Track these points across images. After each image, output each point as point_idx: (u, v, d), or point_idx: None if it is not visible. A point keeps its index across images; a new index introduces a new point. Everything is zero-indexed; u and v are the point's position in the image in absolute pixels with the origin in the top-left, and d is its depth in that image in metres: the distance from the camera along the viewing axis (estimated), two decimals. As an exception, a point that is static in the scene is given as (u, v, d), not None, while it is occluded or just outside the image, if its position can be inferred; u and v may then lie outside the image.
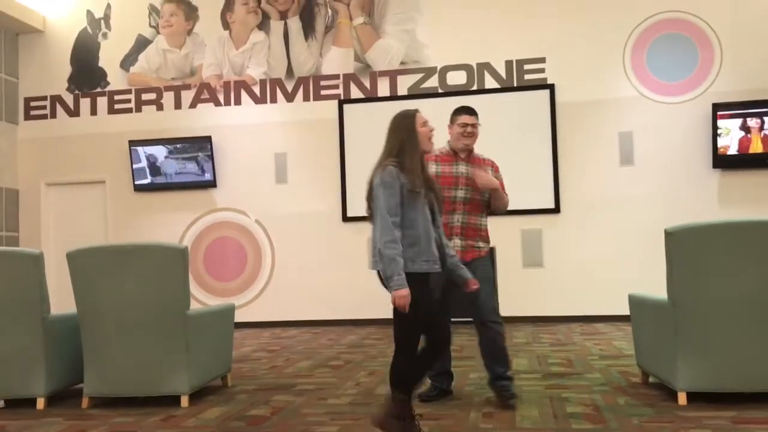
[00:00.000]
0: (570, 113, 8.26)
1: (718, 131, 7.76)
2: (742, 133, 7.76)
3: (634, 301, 4.49)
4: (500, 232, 8.28)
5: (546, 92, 8.33)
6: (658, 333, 3.97)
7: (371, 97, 8.78)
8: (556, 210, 8.23)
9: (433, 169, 3.94)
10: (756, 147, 7.74)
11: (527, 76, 8.45)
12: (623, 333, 6.76)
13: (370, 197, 3.29)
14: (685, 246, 3.66)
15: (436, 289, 3.53)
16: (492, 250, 8.16)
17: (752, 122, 7.75)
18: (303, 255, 8.77)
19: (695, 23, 8.11)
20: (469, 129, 4.09)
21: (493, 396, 4.02)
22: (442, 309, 3.77)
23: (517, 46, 8.47)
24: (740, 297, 3.63)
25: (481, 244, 4.09)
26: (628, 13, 8.22)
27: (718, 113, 7.77)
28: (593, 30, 8.28)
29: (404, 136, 3.43)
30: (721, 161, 7.80)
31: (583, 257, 8.10)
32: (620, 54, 8.23)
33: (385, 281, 3.07)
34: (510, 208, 8.13)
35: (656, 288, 4.18)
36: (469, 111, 4.14)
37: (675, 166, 7.95)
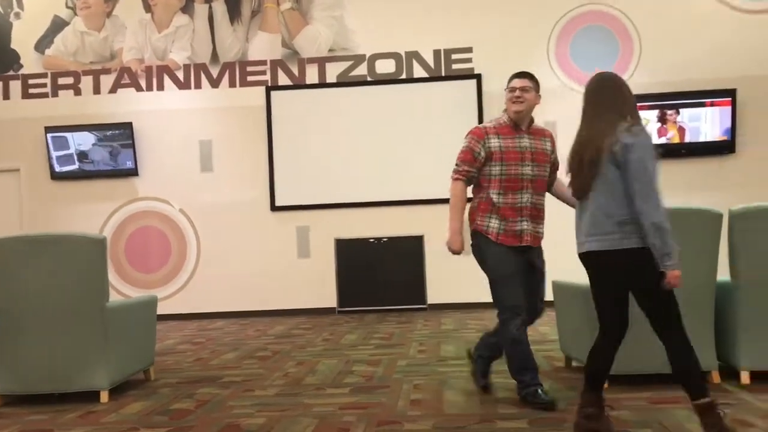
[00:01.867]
0: (497, 102, 8.33)
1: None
2: (659, 124, 8.04)
3: (558, 287, 4.59)
4: (429, 219, 8.38)
5: (473, 82, 8.42)
6: (579, 318, 4.06)
7: (299, 84, 8.67)
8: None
9: (495, 142, 3.51)
10: (672, 138, 8.03)
11: (455, 66, 8.52)
12: (548, 318, 6.89)
13: (598, 162, 2.77)
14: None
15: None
16: (420, 238, 8.41)
17: (669, 114, 8.04)
18: (230, 245, 8.61)
19: (616, 16, 8.34)
20: (517, 93, 3.52)
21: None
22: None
23: (445, 35, 8.51)
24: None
25: (541, 230, 3.64)
26: (553, 5, 8.38)
27: (637, 104, 7.99)
28: (519, 21, 8.41)
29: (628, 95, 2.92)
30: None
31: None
32: (545, 45, 8.39)
33: (661, 258, 2.67)
34: (438, 196, 8.39)
35: (580, 274, 4.26)
36: (522, 74, 3.60)
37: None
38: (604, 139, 2.77)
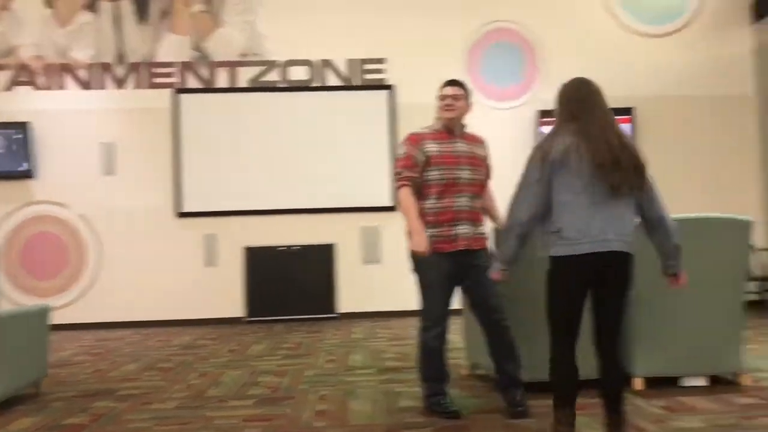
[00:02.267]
0: (409, 114, 8.43)
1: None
2: (564, 139, 8.33)
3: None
4: (340, 228, 8.36)
5: (385, 93, 8.47)
6: (486, 326, 4.12)
7: (209, 88, 8.47)
8: (394, 208, 8.38)
9: (432, 147, 3.49)
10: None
11: (368, 76, 8.55)
12: (457, 326, 6.99)
13: (643, 170, 2.80)
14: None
15: None
16: (331, 247, 8.37)
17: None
18: (133, 252, 8.28)
19: (524, 35, 8.59)
20: (449, 101, 3.55)
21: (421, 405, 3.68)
22: None
23: (359, 45, 8.53)
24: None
25: (483, 231, 3.61)
26: (466, 21, 8.55)
27: (542, 119, 8.29)
28: (432, 35, 8.52)
29: None
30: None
31: (419, 254, 8.31)
32: (456, 60, 8.54)
33: (680, 259, 2.93)
34: (349, 205, 8.38)
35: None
36: (454, 82, 3.64)
37: (503, 165, 8.34)
38: (638, 151, 2.84)
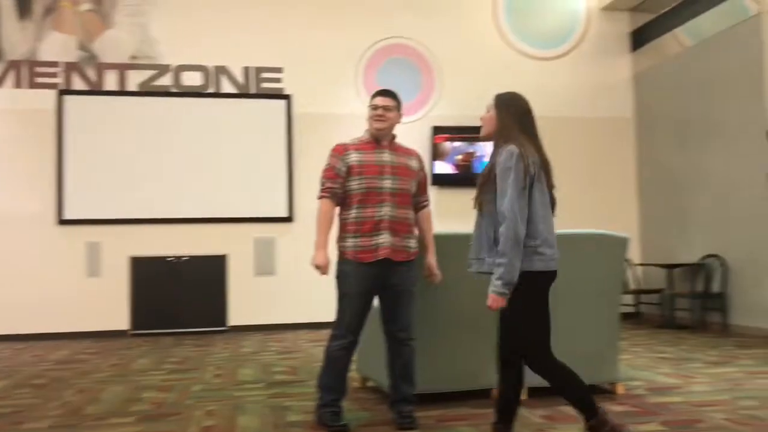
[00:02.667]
0: (306, 125, 8.41)
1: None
2: (459, 156, 8.55)
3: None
4: (232, 239, 8.19)
5: (283, 102, 8.40)
6: (375, 338, 4.13)
7: (97, 90, 8.11)
8: (290, 219, 8.31)
9: (354, 157, 3.49)
10: (468, 168, 8.58)
11: (264, 84, 8.45)
12: (348, 339, 7.00)
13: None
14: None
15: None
16: (224, 258, 8.17)
17: (465, 145, 8.57)
18: (8, 260, 7.77)
19: (420, 51, 8.77)
20: (380, 111, 3.52)
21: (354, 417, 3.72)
22: None
23: (255, 53, 8.43)
24: (463, 307, 3.93)
25: (411, 244, 3.54)
26: (362, 35, 8.63)
27: (436, 135, 8.47)
28: (330, 48, 8.54)
29: None
30: (439, 179, 8.51)
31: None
32: (353, 73, 8.60)
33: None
34: (243, 215, 8.23)
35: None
36: (385, 93, 3.62)
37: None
38: None
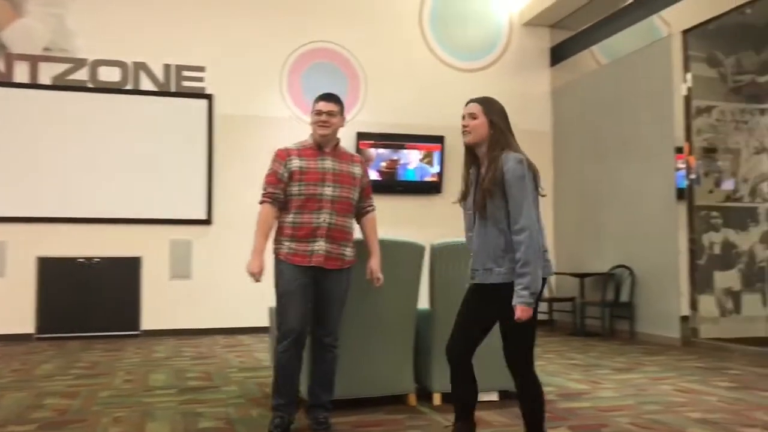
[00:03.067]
0: (227, 126, 8.27)
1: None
2: (383, 163, 8.60)
3: (273, 313, 4.58)
4: (147, 241, 7.95)
5: (204, 102, 8.23)
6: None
7: (6, 82, 7.73)
8: (208, 222, 8.14)
9: (296, 163, 3.46)
10: (392, 175, 8.63)
11: (186, 83, 8.25)
12: (265, 344, 6.91)
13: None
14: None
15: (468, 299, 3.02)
16: (138, 260, 7.92)
17: (389, 152, 8.63)
18: None
19: (346, 57, 8.77)
20: (324, 117, 3.49)
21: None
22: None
23: (176, 50, 8.22)
24: (360, 311, 3.92)
25: (347, 252, 3.52)
26: (288, 37, 8.55)
27: (361, 141, 8.49)
28: (254, 49, 8.43)
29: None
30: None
31: (232, 269, 8.07)
32: (278, 75, 8.51)
33: None
34: (159, 216, 7.99)
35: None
36: (327, 97, 3.56)
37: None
38: None
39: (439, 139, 8.65)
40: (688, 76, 7.22)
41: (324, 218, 3.43)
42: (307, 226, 3.42)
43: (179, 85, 8.22)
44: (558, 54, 9.38)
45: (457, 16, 9.23)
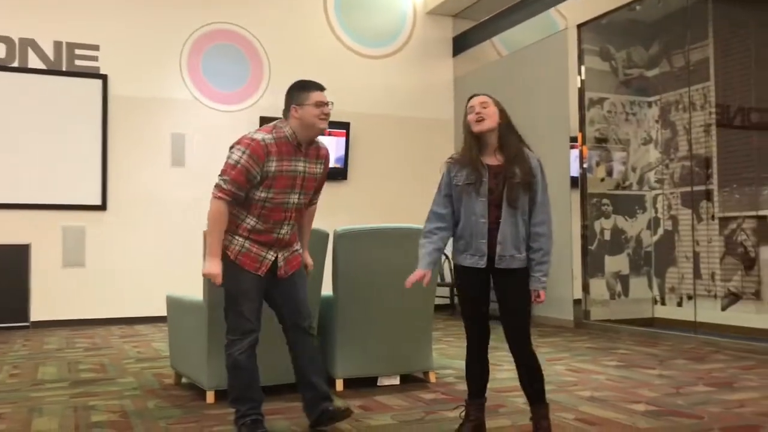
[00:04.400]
0: (124, 107, 7.95)
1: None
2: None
3: (171, 302, 4.47)
4: (37, 228, 7.56)
5: (98, 82, 7.86)
6: (191, 333, 4.01)
7: None
8: (103, 207, 7.81)
9: (273, 166, 2.99)
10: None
11: (78, 62, 7.86)
12: (164, 334, 6.72)
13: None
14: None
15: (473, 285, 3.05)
16: (27, 248, 7.49)
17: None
18: None
19: (249, 39, 8.59)
20: (327, 109, 3.10)
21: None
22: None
23: (68, 27, 7.81)
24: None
25: (296, 247, 3.26)
26: (187, 17, 8.29)
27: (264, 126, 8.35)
28: (152, 28, 8.12)
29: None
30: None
31: (129, 257, 7.84)
32: (177, 56, 8.24)
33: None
34: (50, 201, 7.59)
35: (197, 289, 4.21)
36: (322, 87, 3.19)
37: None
38: None
39: (344, 126, 8.63)
40: (582, 68, 7.52)
41: (286, 230, 3.12)
42: (268, 236, 3.08)
43: (72, 64, 7.82)
44: (460, 44, 9.54)
45: (362, 2, 9.22)
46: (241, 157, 2.96)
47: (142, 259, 7.86)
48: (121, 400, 3.93)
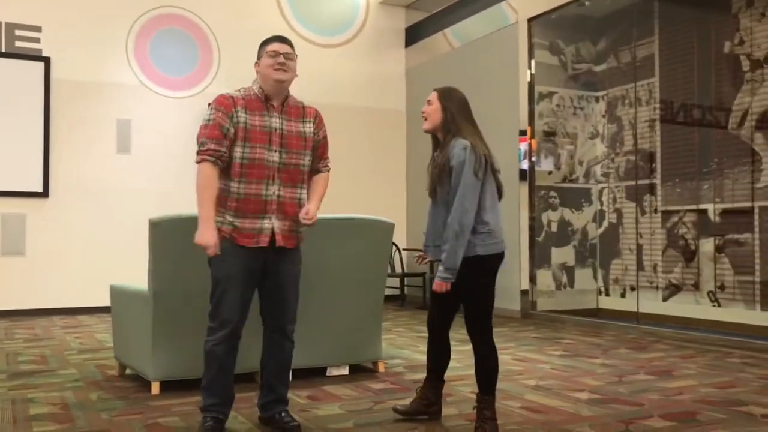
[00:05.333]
0: (67, 92, 7.72)
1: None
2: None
3: (115, 292, 4.38)
4: (-27, 214, 7.29)
5: (40, 65, 7.61)
6: (136, 323, 3.93)
7: None
8: (45, 194, 7.58)
9: (242, 117, 2.87)
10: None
11: (19, 44, 7.59)
12: (107, 325, 6.57)
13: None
14: (167, 236, 3.67)
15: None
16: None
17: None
18: None
19: (198, 24, 8.43)
20: (281, 59, 2.93)
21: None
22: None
23: (7, 6, 7.53)
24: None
25: (301, 228, 3.04)
26: (135, 0, 8.08)
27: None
28: (97, 10, 7.90)
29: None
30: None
31: (71, 246, 7.63)
32: (123, 39, 8.03)
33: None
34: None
35: (142, 279, 4.12)
36: (282, 39, 3.02)
37: (171, 159, 8.09)
38: None
39: (294, 115, 8.56)
40: (533, 62, 7.62)
41: (273, 190, 2.92)
42: (256, 199, 2.90)
43: (12, 45, 7.55)
44: (413, 35, 9.55)
45: (314, -10, 9.15)
46: (210, 115, 2.89)
47: (85, 247, 7.66)
48: (63, 392, 3.83)
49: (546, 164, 7.80)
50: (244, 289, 2.93)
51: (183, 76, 8.33)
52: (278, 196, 2.94)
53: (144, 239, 3.86)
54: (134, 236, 7.25)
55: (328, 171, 3.24)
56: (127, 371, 4.28)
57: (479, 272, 2.97)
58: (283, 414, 3.08)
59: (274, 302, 3.04)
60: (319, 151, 3.14)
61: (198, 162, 2.87)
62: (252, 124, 2.90)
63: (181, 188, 8.02)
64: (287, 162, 2.96)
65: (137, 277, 4.42)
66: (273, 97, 2.98)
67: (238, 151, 2.88)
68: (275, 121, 2.96)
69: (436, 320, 3.21)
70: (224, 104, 2.90)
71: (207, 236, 2.82)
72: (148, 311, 3.73)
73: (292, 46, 3.05)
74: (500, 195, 3.09)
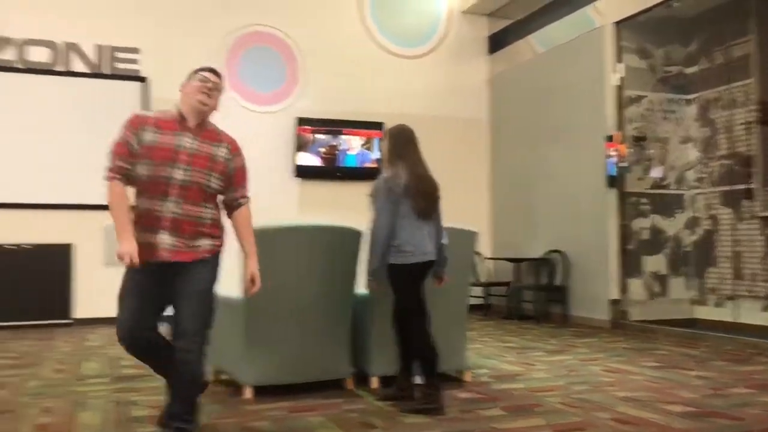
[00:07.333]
0: (164, 109, 8.09)
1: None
2: (323, 148, 8.59)
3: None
4: (80, 227, 7.74)
5: (138, 85, 8.03)
6: (229, 329, 4.07)
7: (-75, 61, 7.38)
8: (143, 207, 7.96)
9: (149, 136, 2.92)
10: (332, 161, 8.63)
11: (119, 65, 8.03)
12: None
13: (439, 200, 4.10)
14: (261, 243, 3.79)
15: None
16: (69, 247, 7.67)
17: (328, 138, 8.61)
18: None
19: (285, 41, 8.68)
20: (210, 85, 3.02)
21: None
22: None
23: (109, 31, 7.99)
24: (295, 296, 3.94)
25: (204, 243, 3.00)
26: (227, 20, 8.41)
27: (300, 127, 8.46)
28: (192, 29, 8.26)
29: None
30: (303, 171, 8.51)
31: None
32: (215, 59, 8.35)
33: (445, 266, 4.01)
34: (92, 202, 7.76)
35: (235, 285, 4.26)
36: (214, 71, 3.12)
37: (259, 173, 8.32)
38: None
39: (378, 126, 8.67)
40: (620, 66, 7.44)
41: (168, 207, 2.91)
42: (151, 214, 2.91)
43: (112, 67, 8.00)
44: (496, 42, 9.51)
45: (396, 2, 9.25)
46: (119, 134, 2.97)
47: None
48: (161, 396, 4.01)
49: (636, 170, 7.59)
50: (135, 302, 2.95)
51: (272, 91, 8.59)
52: (173, 212, 2.92)
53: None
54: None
55: (248, 202, 3.25)
56: (223, 376, 4.44)
57: (394, 276, 3.75)
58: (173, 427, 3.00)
59: (176, 314, 2.99)
60: (235, 180, 3.14)
61: (107, 179, 2.94)
62: (160, 142, 2.94)
63: (269, 198, 8.27)
64: (191, 180, 2.95)
65: (230, 282, 4.59)
66: (189, 118, 3.03)
67: (140, 168, 2.92)
68: (186, 141, 2.98)
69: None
70: (133, 123, 2.98)
71: (125, 246, 2.84)
72: (241, 317, 3.87)
73: (222, 80, 3.14)
74: (423, 215, 3.80)
